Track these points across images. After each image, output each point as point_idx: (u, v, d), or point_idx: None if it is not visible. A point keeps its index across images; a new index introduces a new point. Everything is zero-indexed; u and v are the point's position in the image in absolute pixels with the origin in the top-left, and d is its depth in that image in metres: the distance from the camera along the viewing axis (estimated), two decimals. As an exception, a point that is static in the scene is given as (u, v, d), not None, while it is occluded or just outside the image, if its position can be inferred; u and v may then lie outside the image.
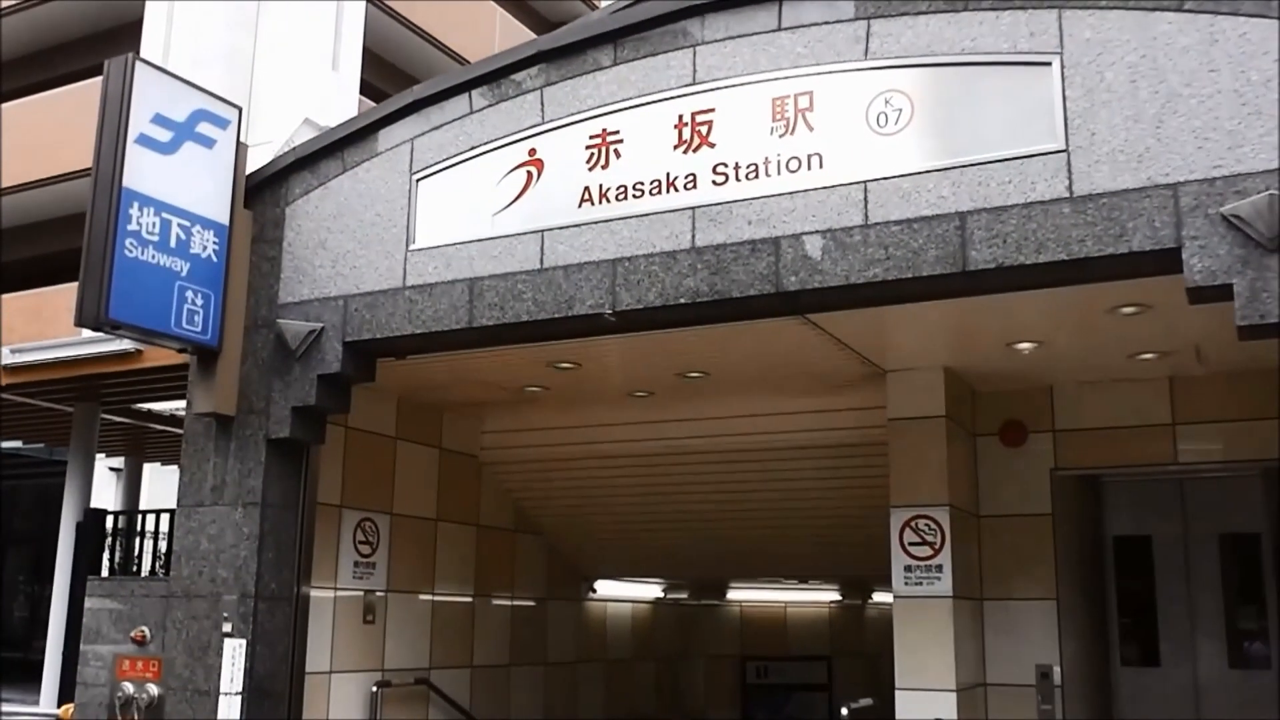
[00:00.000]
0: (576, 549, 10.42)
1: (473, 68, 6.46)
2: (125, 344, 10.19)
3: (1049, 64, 4.86)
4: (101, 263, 6.06)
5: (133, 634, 6.89)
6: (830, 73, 5.32)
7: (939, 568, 6.75)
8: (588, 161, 5.89)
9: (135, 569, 10.14)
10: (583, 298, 5.78)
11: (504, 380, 7.74)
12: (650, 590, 12.19)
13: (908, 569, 6.83)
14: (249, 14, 12.98)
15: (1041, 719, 7.09)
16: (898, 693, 6.69)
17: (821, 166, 5.28)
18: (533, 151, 6.09)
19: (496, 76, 6.25)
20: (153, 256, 6.28)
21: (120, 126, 6.18)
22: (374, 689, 7.78)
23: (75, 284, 6.19)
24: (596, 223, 5.81)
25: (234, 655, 6.47)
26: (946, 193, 4.99)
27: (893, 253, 5.06)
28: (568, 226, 5.88)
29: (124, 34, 13.40)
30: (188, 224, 6.49)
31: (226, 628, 6.53)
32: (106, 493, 16.21)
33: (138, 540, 10.37)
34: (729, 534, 9.75)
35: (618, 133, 5.84)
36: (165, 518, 9.44)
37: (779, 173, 5.37)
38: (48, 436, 15.53)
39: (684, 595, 12.77)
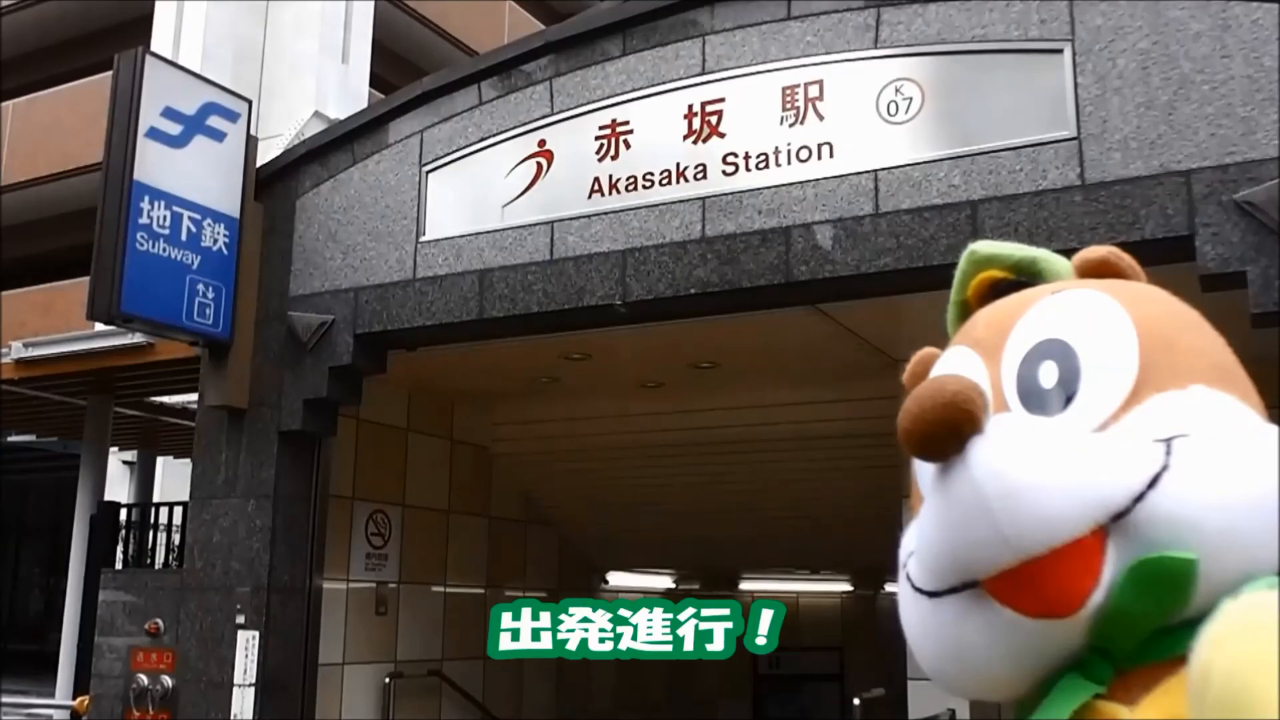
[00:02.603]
0: (588, 540, 10.42)
1: (482, 59, 6.46)
2: (137, 337, 10.21)
3: (1060, 51, 4.83)
4: (113, 256, 6.07)
5: (146, 626, 6.92)
6: (840, 61, 5.30)
7: (951, 557, 6.73)
8: (597, 152, 5.88)
9: (149, 561, 10.17)
10: (593, 289, 5.78)
11: (514, 371, 7.74)
12: (662, 581, 12.19)
13: (920, 559, 6.80)
14: (259, 7, 13.00)
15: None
16: (910, 683, 6.67)
17: (832, 156, 5.27)
18: (542, 143, 6.08)
19: (506, 68, 6.24)
20: (164, 250, 6.29)
21: (130, 120, 6.19)
22: (387, 680, 7.80)
23: (87, 278, 6.20)
24: (606, 213, 5.80)
25: (247, 647, 6.50)
26: (957, 181, 4.97)
27: (903, 242, 5.05)
28: (578, 217, 5.88)
29: (135, 28, 13.41)
30: (198, 217, 6.50)
31: (240, 620, 6.55)
32: (120, 486, 16.27)
33: (151, 533, 10.40)
34: (740, 524, 9.75)
35: (627, 123, 5.83)
36: (178, 510, 9.46)
37: (789, 162, 5.36)
38: (61, 430, 15.59)
39: (696, 586, 12.77)
